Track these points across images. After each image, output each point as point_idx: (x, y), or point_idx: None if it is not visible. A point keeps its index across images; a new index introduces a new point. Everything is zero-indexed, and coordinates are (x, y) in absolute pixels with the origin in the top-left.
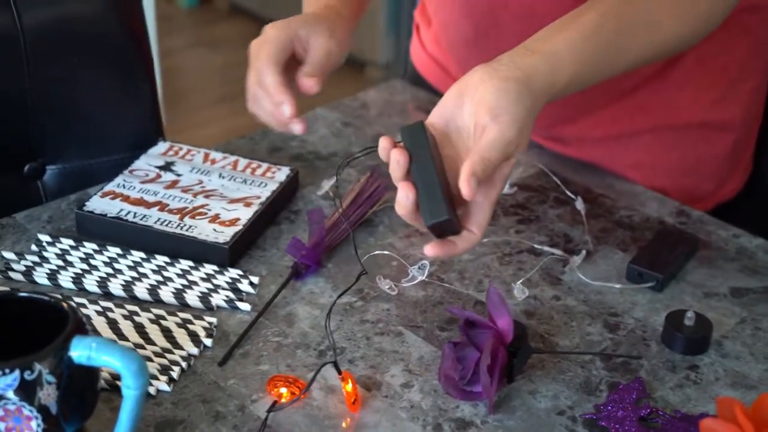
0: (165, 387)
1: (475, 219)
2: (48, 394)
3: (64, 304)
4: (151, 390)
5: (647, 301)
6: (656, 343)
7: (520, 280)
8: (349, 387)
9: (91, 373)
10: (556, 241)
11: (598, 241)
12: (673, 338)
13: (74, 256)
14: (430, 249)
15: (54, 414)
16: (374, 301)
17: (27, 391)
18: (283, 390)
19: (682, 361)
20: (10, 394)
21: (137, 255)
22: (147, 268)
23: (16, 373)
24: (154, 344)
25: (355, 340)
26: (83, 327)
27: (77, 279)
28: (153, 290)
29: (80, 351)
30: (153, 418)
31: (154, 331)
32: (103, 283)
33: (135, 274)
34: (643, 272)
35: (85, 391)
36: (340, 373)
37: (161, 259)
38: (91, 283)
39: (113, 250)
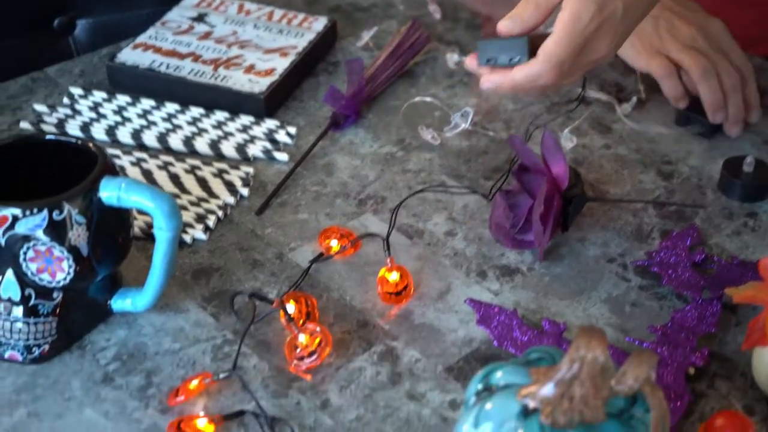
0: (201, 235)
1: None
2: (78, 235)
3: (92, 146)
4: (187, 238)
5: (703, 150)
6: (712, 191)
7: (568, 128)
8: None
9: (121, 215)
10: (607, 90)
11: (651, 90)
12: (731, 185)
13: (107, 109)
14: (486, 79)
15: (85, 255)
16: (416, 151)
17: (56, 231)
18: (334, 243)
19: (739, 209)
20: (40, 234)
21: (171, 107)
22: (181, 119)
23: (45, 212)
24: (189, 193)
25: (396, 189)
26: (112, 168)
27: (110, 131)
28: (188, 141)
29: (110, 191)
30: (189, 266)
31: (189, 181)
32: (136, 134)
33: (169, 126)
34: (692, 116)
35: (117, 233)
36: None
37: (196, 111)
38: (124, 135)
39: (147, 103)
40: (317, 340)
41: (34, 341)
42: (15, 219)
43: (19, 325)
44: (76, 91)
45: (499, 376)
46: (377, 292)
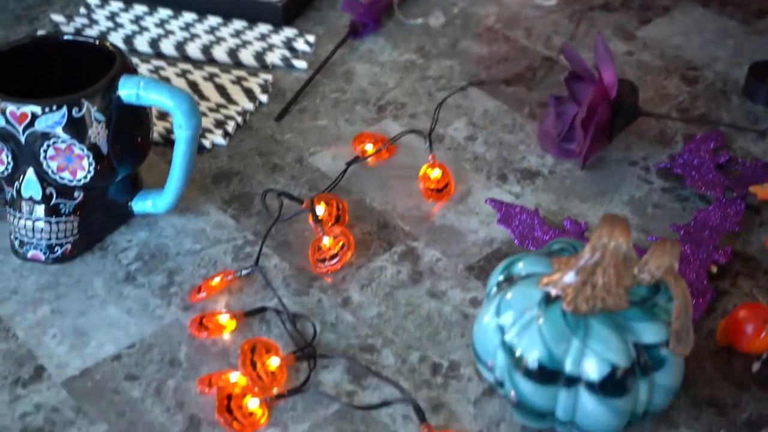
0: (220, 140)
1: None
2: (98, 133)
3: (109, 45)
4: (206, 143)
5: (729, 56)
6: (737, 96)
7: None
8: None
9: (141, 114)
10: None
11: None
12: (756, 89)
13: (124, 18)
14: None
15: (105, 153)
16: (436, 59)
17: (76, 128)
18: (369, 146)
19: (765, 113)
20: (59, 131)
21: (189, 16)
22: (199, 28)
23: (64, 109)
24: (208, 100)
25: (416, 95)
26: (131, 67)
27: (128, 40)
28: (206, 50)
29: (128, 90)
30: (209, 170)
31: (207, 88)
32: (154, 43)
33: (187, 35)
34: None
35: (136, 132)
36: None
37: (213, 20)
38: (142, 44)
39: (164, 12)
40: (340, 244)
41: (56, 240)
42: (34, 116)
43: (41, 224)
44: (93, 1)
45: (521, 267)
46: (419, 189)
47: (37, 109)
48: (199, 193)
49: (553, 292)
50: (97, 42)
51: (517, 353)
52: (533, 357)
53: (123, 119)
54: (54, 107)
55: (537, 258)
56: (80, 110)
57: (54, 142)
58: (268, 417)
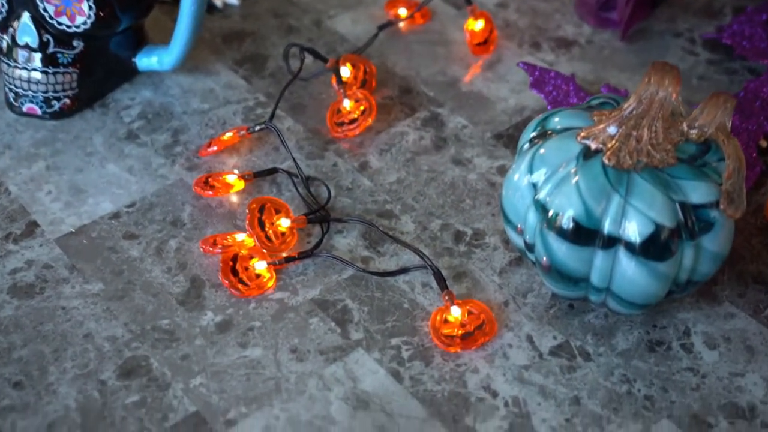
0: (233, 0)
1: None
2: None
3: None
4: (217, 2)
5: None
6: None
7: None
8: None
9: None
10: None
11: None
12: None
13: None
14: None
15: None
16: None
17: None
18: (402, 11)
19: None
20: None
21: None
22: None
23: None
24: None
25: None
26: None
27: None
28: None
29: None
30: (220, 30)
31: None
32: None
33: None
34: None
35: None
36: None
37: None
38: None
39: None
40: (361, 108)
41: (53, 93)
42: None
43: (38, 75)
44: None
45: (557, 121)
46: (466, 44)
47: None
48: (208, 53)
49: (593, 145)
50: None
51: (551, 212)
52: (568, 215)
53: None
54: None
55: (576, 112)
56: None
57: None
58: (276, 281)
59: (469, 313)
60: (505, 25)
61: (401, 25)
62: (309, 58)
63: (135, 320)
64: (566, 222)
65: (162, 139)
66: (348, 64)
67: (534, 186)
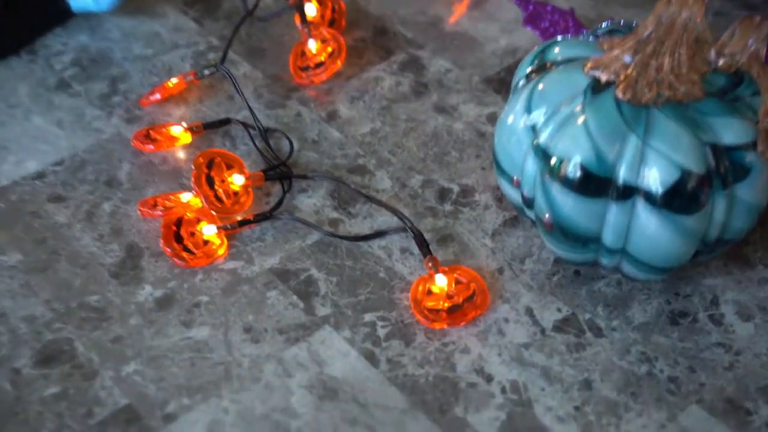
0: None
1: None
2: None
3: None
4: None
5: None
6: None
7: None
8: None
9: None
10: None
11: None
12: None
13: None
14: None
15: None
16: None
17: None
18: None
19: None
20: None
21: None
22: None
23: None
24: None
25: None
26: None
27: None
28: None
29: None
30: None
31: None
32: None
33: None
34: None
35: None
36: None
37: None
38: None
39: None
40: (329, 50)
41: None
42: None
43: None
44: None
45: (558, 51)
46: None
47: None
48: None
49: (604, 76)
50: None
51: (554, 158)
52: (575, 161)
53: None
54: None
55: (579, 42)
56: None
57: None
58: (227, 248)
59: (457, 282)
60: None
61: None
62: None
63: (58, 297)
64: (573, 169)
65: (98, 89)
66: (314, 1)
67: (533, 128)
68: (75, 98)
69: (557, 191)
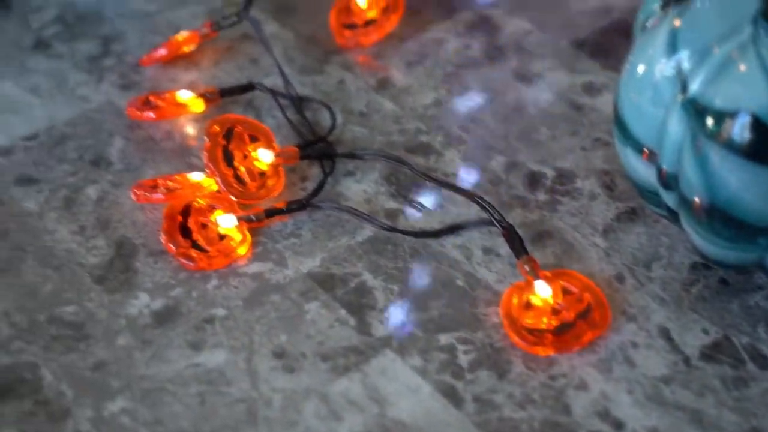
0: None
1: None
2: None
3: None
4: None
5: None
6: None
7: None
8: None
9: None
10: None
11: None
12: None
13: None
14: None
15: None
16: None
17: None
18: None
19: None
20: None
21: None
22: None
23: None
24: None
25: None
26: None
27: None
28: None
29: None
30: None
31: None
32: None
33: None
34: None
35: None
36: None
37: None
38: None
39: None
40: (382, 4)
41: None
42: None
43: None
44: None
45: None
46: None
47: None
48: None
49: None
50: None
51: (712, 114)
52: (745, 115)
53: None
54: None
55: None
56: None
57: None
58: (251, 246)
59: (566, 292)
60: None
61: None
62: None
63: (21, 307)
64: (741, 128)
65: (85, 49)
66: None
67: (678, 77)
68: (56, 60)
69: (718, 159)
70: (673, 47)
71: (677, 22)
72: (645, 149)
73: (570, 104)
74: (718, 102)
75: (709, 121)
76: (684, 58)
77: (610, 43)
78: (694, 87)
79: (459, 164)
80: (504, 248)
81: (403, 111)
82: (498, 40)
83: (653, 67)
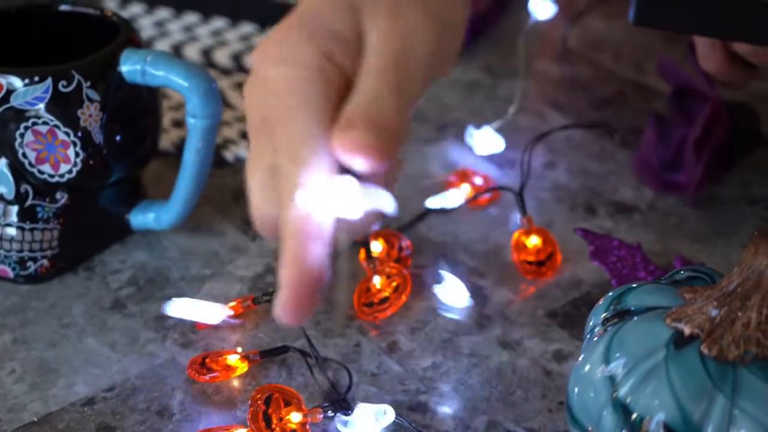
0: (245, 154)
1: None
2: (90, 115)
3: (112, 15)
4: (229, 156)
5: None
6: None
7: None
8: None
9: (147, 97)
10: None
11: None
12: None
13: (147, 21)
14: None
15: (97, 143)
16: (506, 77)
17: (62, 106)
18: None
19: None
20: (41, 109)
21: (218, 22)
22: (229, 35)
23: (48, 82)
24: (234, 109)
25: (481, 115)
26: (138, 41)
27: (148, 44)
28: (235, 57)
29: (132, 64)
30: (229, 187)
31: (234, 97)
32: (177, 49)
33: (215, 41)
34: None
35: (139, 121)
36: None
37: (247, 27)
38: (164, 48)
39: (190, 18)
40: (394, 285)
41: (29, 253)
42: (10, 90)
43: (12, 231)
44: (111, 4)
45: (636, 299)
46: (512, 259)
47: (15, 81)
48: (214, 211)
49: (687, 330)
50: (101, 12)
51: (635, 415)
52: (658, 419)
53: (124, 102)
54: (36, 78)
55: (658, 288)
56: (69, 84)
57: (34, 124)
58: None
59: None
60: (554, 188)
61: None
62: None
63: None
64: (655, 428)
65: (154, 310)
66: (380, 240)
67: (611, 380)
68: (130, 319)
69: None
70: (609, 356)
71: (618, 336)
72: (588, 429)
73: (542, 369)
74: (640, 407)
75: (632, 420)
76: (617, 366)
77: (578, 314)
78: (623, 391)
79: (450, 422)
80: None
81: (407, 372)
82: (486, 309)
83: (595, 370)
